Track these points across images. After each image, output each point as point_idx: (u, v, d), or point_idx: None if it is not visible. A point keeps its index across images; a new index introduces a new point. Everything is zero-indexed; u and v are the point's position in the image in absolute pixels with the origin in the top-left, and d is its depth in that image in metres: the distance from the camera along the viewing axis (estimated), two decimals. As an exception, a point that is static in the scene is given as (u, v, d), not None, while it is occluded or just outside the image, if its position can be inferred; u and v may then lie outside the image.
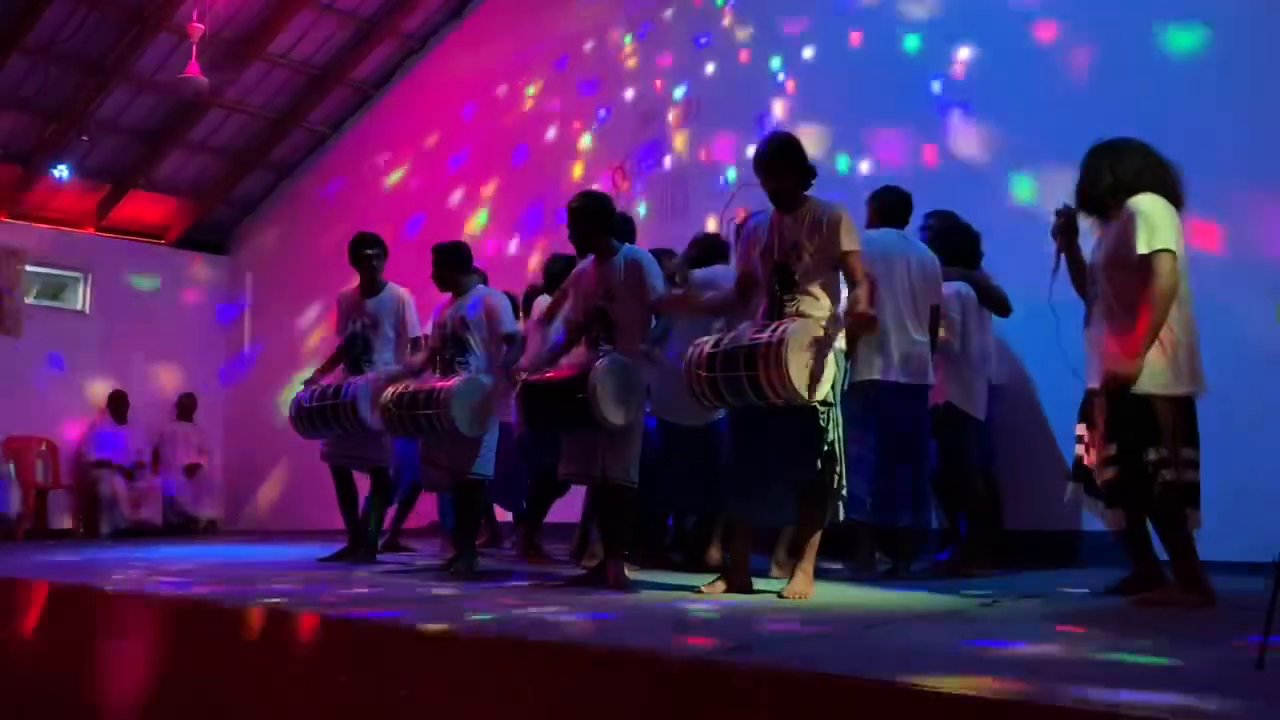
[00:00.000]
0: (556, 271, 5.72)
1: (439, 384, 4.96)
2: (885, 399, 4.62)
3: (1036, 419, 5.56)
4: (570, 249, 4.89)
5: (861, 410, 4.57)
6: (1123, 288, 3.58)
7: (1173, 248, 3.47)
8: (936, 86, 6.44)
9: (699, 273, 5.10)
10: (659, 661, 2.41)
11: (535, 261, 8.43)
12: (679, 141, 7.86)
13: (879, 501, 4.58)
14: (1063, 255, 3.91)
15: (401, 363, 5.70)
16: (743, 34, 7.61)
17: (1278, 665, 2.13)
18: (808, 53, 7.20)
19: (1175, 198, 3.65)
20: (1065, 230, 3.89)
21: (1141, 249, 3.48)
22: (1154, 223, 3.50)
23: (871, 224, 4.90)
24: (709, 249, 5.32)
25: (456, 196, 9.42)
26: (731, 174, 7.42)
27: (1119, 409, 3.53)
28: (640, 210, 7.77)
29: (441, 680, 2.80)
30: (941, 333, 4.86)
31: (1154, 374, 3.50)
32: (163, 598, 3.93)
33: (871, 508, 4.58)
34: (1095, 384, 3.66)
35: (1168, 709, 1.80)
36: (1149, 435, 3.48)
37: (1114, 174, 3.68)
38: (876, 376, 4.62)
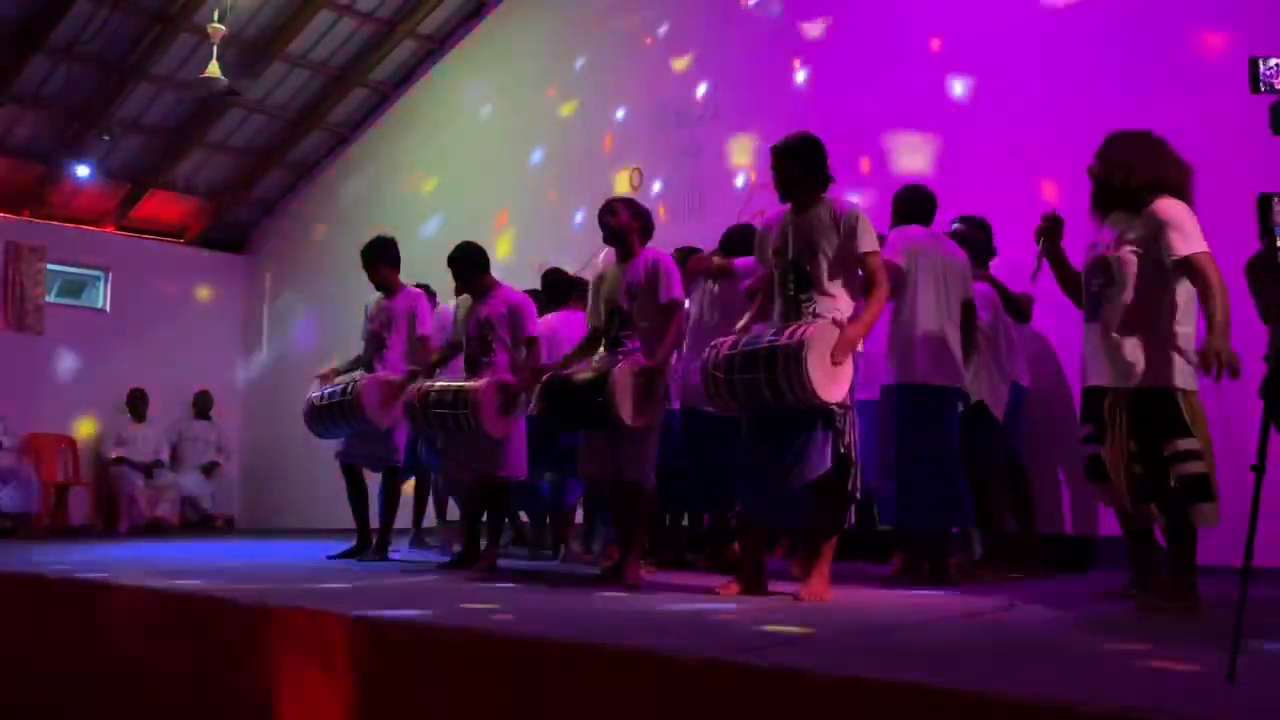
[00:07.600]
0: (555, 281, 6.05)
1: (468, 383, 4.97)
2: (913, 400, 4.51)
3: (1058, 423, 5.53)
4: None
5: (888, 412, 4.52)
6: (1143, 288, 3.57)
7: (1205, 248, 3.47)
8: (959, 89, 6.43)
9: (741, 261, 5.07)
10: (670, 662, 2.40)
11: (545, 262, 8.43)
12: (698, 140, 7.86)
13: (903, 504, 4.50)
14: (1043, 259, 3.92)
15: (411, 362, 5.73)
16: (763, 32, 7.61)
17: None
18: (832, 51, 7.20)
19: (1189, 197, 3.63)
20: (1050, 234, 3.91)
21: (1182, 252, 3.47)
22: (1186, 226, 3.49)
23: (895, 222, 4.82)
24: (746, 238, 5.29)
25: (474, 197, 9.43)
26: (742, 179, 7.41)
27: (1151, 404, 3.51)
28: (659, 211, 7.77)
29: (451, 679, 2.80)
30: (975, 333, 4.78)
31: (1181, 370, 3.53)
32: (164, 593, 3.93)
33: (896, 511, 4.54)
34: (1106, 381, 3.63)
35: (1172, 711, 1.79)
36: (1181, 427, 3.48)
37: (1147, 171, 3.62)
38: (905, 380, 4.52)
